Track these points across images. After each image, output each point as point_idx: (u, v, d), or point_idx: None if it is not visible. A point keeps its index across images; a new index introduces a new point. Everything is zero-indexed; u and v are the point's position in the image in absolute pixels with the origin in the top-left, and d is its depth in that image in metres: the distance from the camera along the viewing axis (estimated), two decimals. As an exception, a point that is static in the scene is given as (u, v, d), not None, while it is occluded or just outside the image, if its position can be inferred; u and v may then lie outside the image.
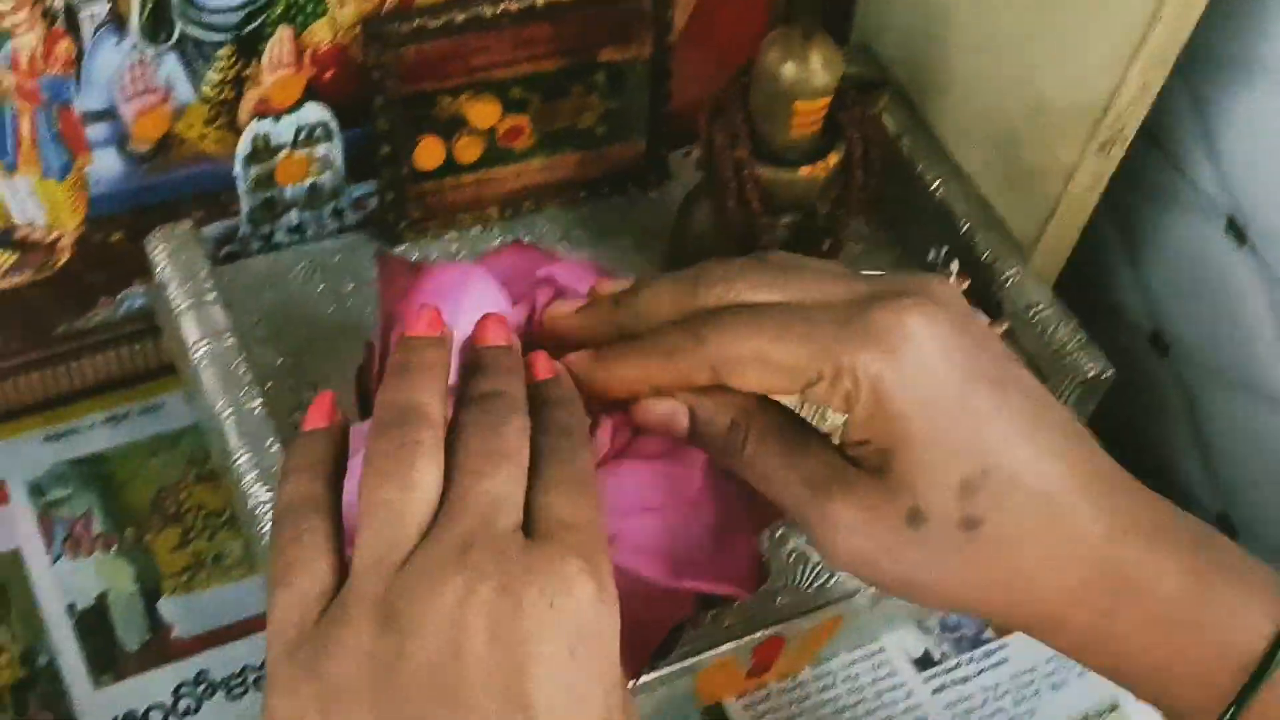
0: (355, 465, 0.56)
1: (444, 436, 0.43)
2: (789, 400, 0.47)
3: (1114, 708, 0.67)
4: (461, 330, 0.57)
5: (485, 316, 0.49)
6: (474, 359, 0.47)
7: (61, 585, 0.65)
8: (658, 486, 0.56)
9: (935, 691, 0.67)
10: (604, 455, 0.56)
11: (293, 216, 0.70)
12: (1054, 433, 0.46)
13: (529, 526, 0.41)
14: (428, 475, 0.41)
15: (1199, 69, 0.70)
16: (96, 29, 0.59)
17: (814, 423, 0.47)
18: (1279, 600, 0.45)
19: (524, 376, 0.47)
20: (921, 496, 0.45)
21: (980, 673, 0.67)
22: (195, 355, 0.61)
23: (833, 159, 0.65)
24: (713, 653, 0.60)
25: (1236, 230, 0.73)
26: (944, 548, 0.45)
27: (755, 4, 0.75)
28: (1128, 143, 0.67)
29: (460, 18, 0.64)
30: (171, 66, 0.62)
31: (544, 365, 0.48)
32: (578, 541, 0.41)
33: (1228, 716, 0.45)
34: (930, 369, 0.45)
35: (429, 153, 0.68)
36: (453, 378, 0.57)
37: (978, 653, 0.68)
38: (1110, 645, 0.46)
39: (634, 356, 0.48)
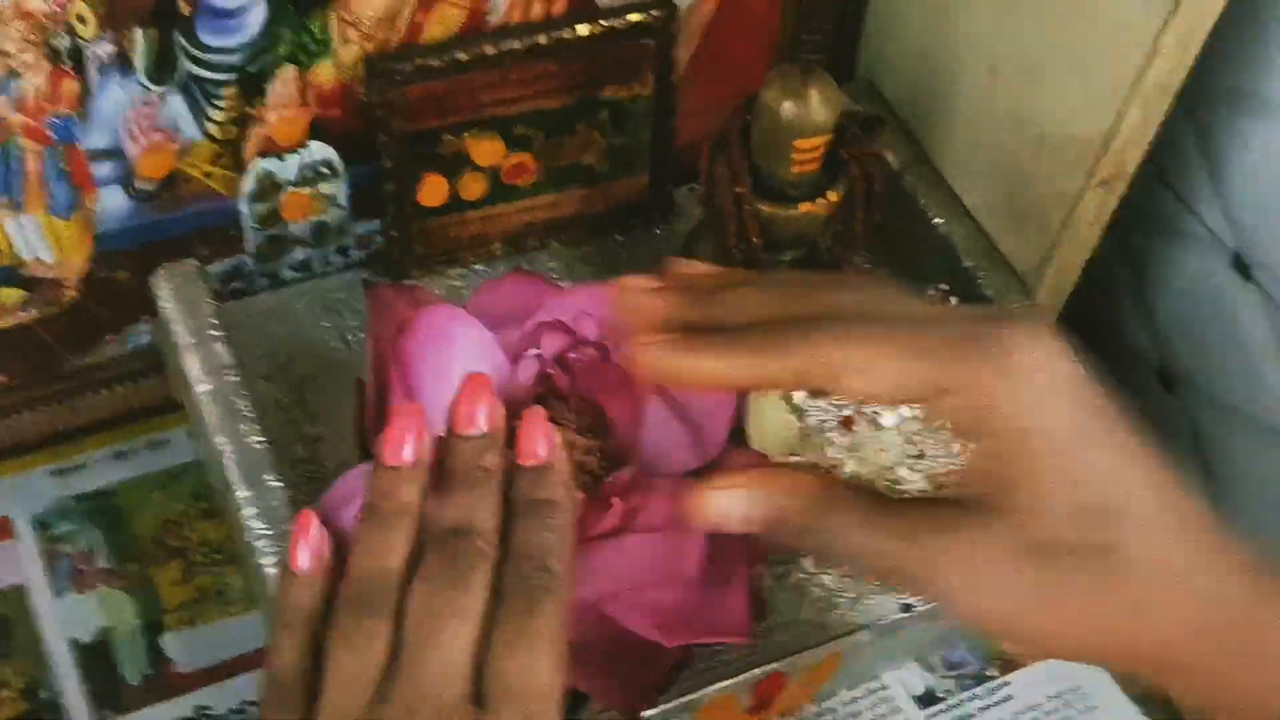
0: (356, 505, 0.57)
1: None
2: (889, 423, 0.46)
3: (1118, 746, 0.66)
4: (452, 378, 0.58)
5: (466, 381, 0.47)
6: (448, 456, 0.46)
7: (65, 620, 0.66)
8: (658, 557, 0.57)
9: (938, 729, 0.66)
10: (610, 528, 0.57)
11: (298, 253, 0.70)
12: (1155, 472, 0.45)
13: (481, 690, 0.41)
14: (379, 640, 0.42)
15: (1204, 105, 0.70)
16: (102, 69, 0.59)
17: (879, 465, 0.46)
18: None
19: (503, 464, 0.45)
20: (1049, 524, 0.42)
21: (983, 710, 0.67)
22: (198, 391, 0.61)
23: (833, 196, 0.65)
24: (712, 688, 0.60)
25: (1242, 266, 0.73)
26: (1075, 580, 0.43)
27: (759, 41, 0.75)
28: (1129, 178, 0.66)
29: (463, 56, 0.65)
30: (176, 106, 0.62)
31: (537, 447, 0.46)
32: (528, 713, 0.41)
33: None
34: (1056, 392, 0.43)
35: (433, 190, 0.69)
36: (442, 427, 0.57)
37: (981, 690, 0.68)
38: (1222, 688, 0.45)
39: (731, 349, 0.44)
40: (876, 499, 0.46)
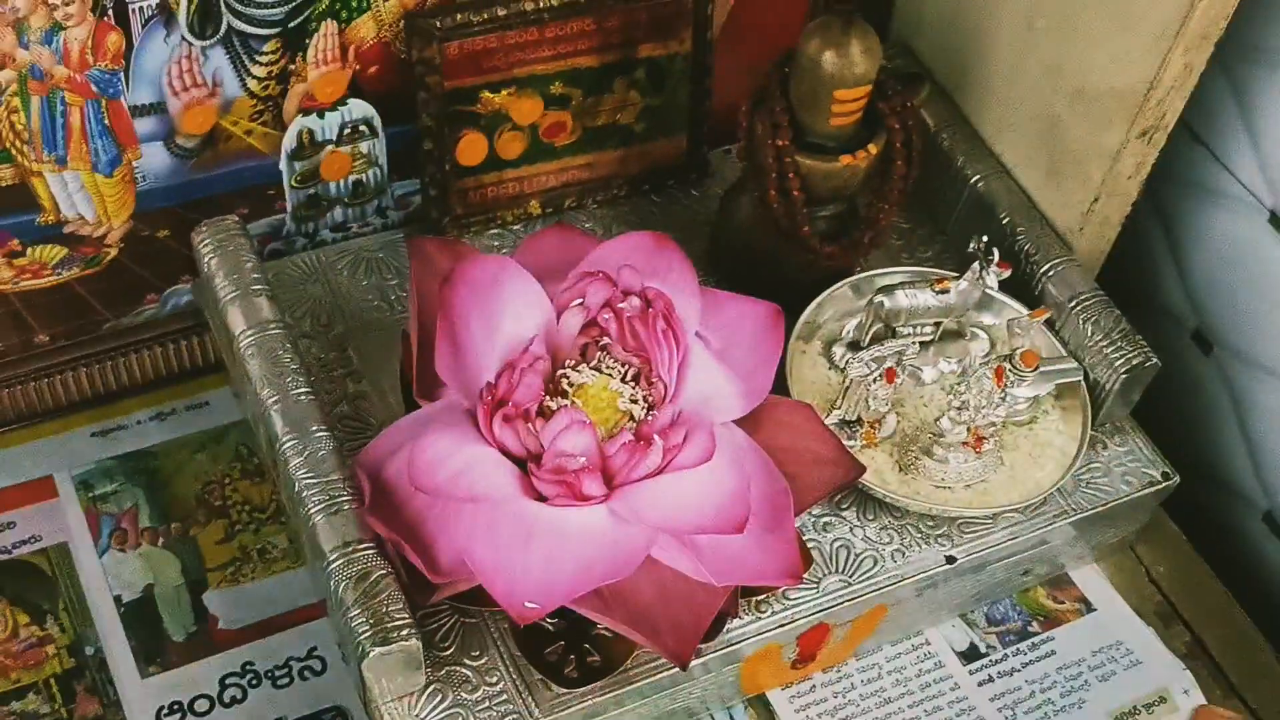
0: (405, 454, 0.57)
1: None
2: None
3: (1162, 699, 0.66)
4: (499, 328, 0.57)
5: None
6: None
7: (109, 577, 0.66)
8: (705, 500, 0.57)
9: (981, 684, 0.66)
10: (654, 467, 0.57)
11: (337, 213, 0.71)
12: None
13: None
14: None
15: (1241, 63, 0.70)
16: (145, 22, 0.60)
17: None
18: None
19: None
20: None
21: (1026, 665, 0.67)
22: (242, 345, 0.61)
23: (873, 149, 0.65)
24: (758, 638, 0.60)
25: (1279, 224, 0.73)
26: None
27: (791, 4, 0.75)
28: (1169, 129, 0.66)
29: (502, 12, 0.65)
30: (219, 61, 0.62)
31: None
32: None
33: None
34: None
35: (472, 148, 0.69)
36: (491, 375, 0.57)
37: (1024, 645, 0.67)
38: None
39: None
40: None
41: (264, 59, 0.63)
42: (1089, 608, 0.69)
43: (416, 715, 0.56)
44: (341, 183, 0.69)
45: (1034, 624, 0.68)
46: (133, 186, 0.65)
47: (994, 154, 0.73)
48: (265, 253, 0.70)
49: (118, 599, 0.65)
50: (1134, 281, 0.81)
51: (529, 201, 0.72)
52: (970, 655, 0.67)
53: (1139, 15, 0.62)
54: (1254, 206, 0.74)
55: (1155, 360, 0.67)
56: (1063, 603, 0.69)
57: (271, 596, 0.66)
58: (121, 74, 0.61)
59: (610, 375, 0.59)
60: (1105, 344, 0.66)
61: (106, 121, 0.62)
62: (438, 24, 0.64)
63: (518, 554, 0.55)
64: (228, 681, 0.63)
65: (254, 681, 0.63)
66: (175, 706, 0.62)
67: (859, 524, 0.64)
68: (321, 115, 0.66)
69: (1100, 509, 0.65)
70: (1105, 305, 0.68)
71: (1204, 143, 0.75)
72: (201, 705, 0.63)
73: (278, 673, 0.64)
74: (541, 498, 0.56)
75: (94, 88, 0.61)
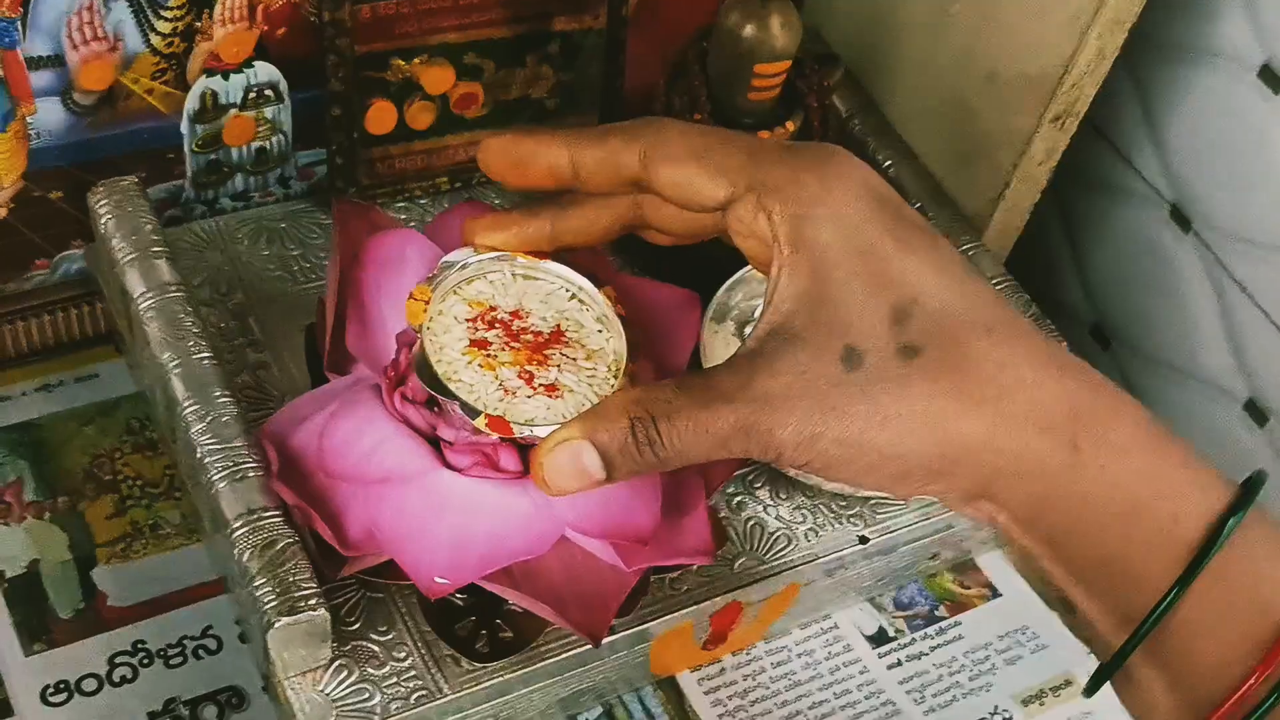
0: (313, 427, 0.55)
1: None
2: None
3: (1068, 683, 0.66)
4: (402, 296, 0.56)
5: None
6: None
7: (-10, 552, 0.63)
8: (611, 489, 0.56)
9: (890, 667, 0.66)
10: None
11: (238, 181, 0.68)
12: (979, 279, 0.46)
13: None
14: None
15: (1143, 55, 0.71)
16: (47, -32, 0.57)
17: None
18: (1222, 475, 0.45)
19: None
20: (854, 330, 0.44)
21: (934, 649, 0.67)
22: (140, 307, 0.59)
23: (790, 126, 0.65)
24: (670, 616, 0.59)
25: (1181, 218, 0.74)
26: (887, 386, 0.43)
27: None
28: (1080, 116, 0.67)
29: (417, -24, 0.63)
30: (121, 14, 0.60)
31: None
32: None
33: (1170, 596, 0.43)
34: (857, 199, 0.45)
35: (381, 117, 0.67)
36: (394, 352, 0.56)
37: (931, 629, 0.67)
38: (1066, 504, 0.44)
39: (554, 135, 0.51)
40: (698, 376, 0.46)
41: (169, 14, 0.61)
42: (995, 593, 0.69)
43: (321, 691, 0.54)
44: (244, 149, 0.67)
45: (941, 609, 0.68)
46: (25, 144, 0.62)
47: (903, 140, 0.73)
48: (163, 219, 0.67)
49: (0, 574, 0.62)
50: (1031, 276, 0.82)
51: (438, 175, 0.70)
52: (879, 639, 0.67)
53: (1053, 1, 0.63)
54: (1154, 201, 0.75)
55: (1064, 344, 0.67)
56: (969, 588, 0.69)
57: (164, 573, 0.63)
58: (19, 22, 0.58)
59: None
60: (1016, 327, 0.66)
61: (1, 73, 0.59)
62: (350, -15, 0.62)
63: (429, 527, 0.53)
64: (117, 660, 0.61)
65: (145, 660, 0.61)
66: (61, 685, 0.59)
67: (772, 503, 0.63)
68: (226, 77, 0.64)
69: (1009, 491, 0.66)
70: (1015, 290, 0.68)
71: (1105, 136, 0.76)
72: (89, 685, 0.60)
73: (170, 651, 0.61)
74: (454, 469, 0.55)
75: (-11, 36, 0.58)
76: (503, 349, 0.54)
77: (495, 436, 0.52)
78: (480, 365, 0.53)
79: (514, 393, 0.52)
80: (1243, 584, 0.43)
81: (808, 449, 0.44)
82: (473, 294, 0.55)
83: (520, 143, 0.52)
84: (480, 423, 0.51)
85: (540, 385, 0.53)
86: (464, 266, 0.55)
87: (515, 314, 0.55)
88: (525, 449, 0.54)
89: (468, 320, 0.54)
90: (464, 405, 0.52)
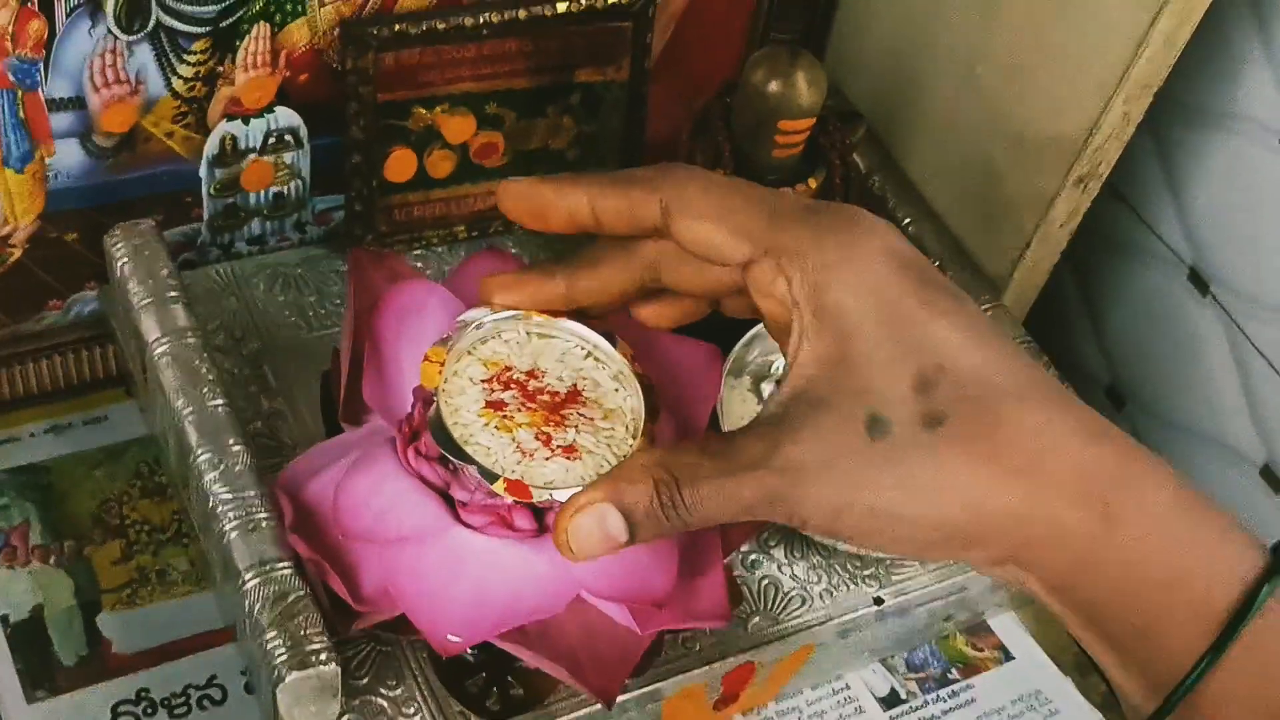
0: (328, 480, 0.54)
1: None
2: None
3: (1081, 748, 0.66)
4: (421, 348, 0.55)
5: None
6: None
7: (-5, 596, 0.62)
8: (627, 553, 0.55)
9: (902, 730, 0.65)
10: None
11: (254, 226, 0.68)
12: (1007, 343, 0.45)
13: None
14: None
15: (1165, 119, 0.71)
16: (71, 11, 0.57)
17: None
18: (1254, 540, 0.44)
19: None
20: (878, 397, 0.43)
21: (946, 713, 0.66)
22: (155, 353, 0.58)
23: (813, 182, 0.64)
24: (683, 676, 0.58)
25: (1200, 282, 0.73)
26: (915, 455, 0.42)
27: (729, 40, 0.75)
28: (1103, 179, 0.67)
29: (441, 25, 0.63)
30: (144, 57, 0.60)
31: None
32: None
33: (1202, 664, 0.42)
34: (880, 263, 0.44)
35: (401, 165, 0.67)
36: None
37: (944, 692, 0.66)
38: (1098, 572, 0.43)
39: (576, 181, 0.50)
40: (721, 439, 0.45)
41: (192, 59, 0.61)
42: (1008, 656, 0.68)
43: (329, 747, 0.54)
44: (262, 194, 0.67)
45: (953, 671, 0.67)
46: (44, 185, 0.62)
47: (924, 198, 0.73)
48: (179, 261, 0.67)
49: (4, 619, 0.61)
50: (1048, 336, 0.81)
51: (455, 224, 0.70)
52: (891, 701, 0.66)
53: (1083, 63, 0.63)
54: (1173, 263, 0.74)
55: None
56: (981, 650, 0.68)
57: (170, 621, 0.62)
58: (41, 64, 0.58)
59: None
60: (1035, 390, 0.66)
61: (21, 114, 0.59)
62: (374, 33, 0.62)
63: (445, 586, 0.53)
64: (121, 709, 0.60)
65: (149, 710, 0.60)
66: (64, 734, 0.59)
67: (786, 562, 0.63)
68: (247, 121, 0.64)
69: (1026, 555, 0.65)
70: (1036, 352, 0.68)
71: (1124, 198, 0.76)
72: (93, 734, 0.59)
73: (175, 701, 0.60)
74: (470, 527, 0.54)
75: (11, 77, 0.58)
76: (519, 410, 0.53)
77: (513, 500, 0.52)
78: (497, 427, 0.52)
79: (531, 454, 0.52)
80: (1274, 651, 0.43)
81: (835, 519, 0.43)
82: (488, 354, 0.54)
83: (541, 188, 0.51)
84: (499, 487, 0.51)
85: (558, 446, 0.52)
86: (479, 326, 0.54)
87: (531, 374, 0.54)
88: (541, 509, 0.53)
89: (483, 381, 0.54)
90: (482, 469, 0.51)
